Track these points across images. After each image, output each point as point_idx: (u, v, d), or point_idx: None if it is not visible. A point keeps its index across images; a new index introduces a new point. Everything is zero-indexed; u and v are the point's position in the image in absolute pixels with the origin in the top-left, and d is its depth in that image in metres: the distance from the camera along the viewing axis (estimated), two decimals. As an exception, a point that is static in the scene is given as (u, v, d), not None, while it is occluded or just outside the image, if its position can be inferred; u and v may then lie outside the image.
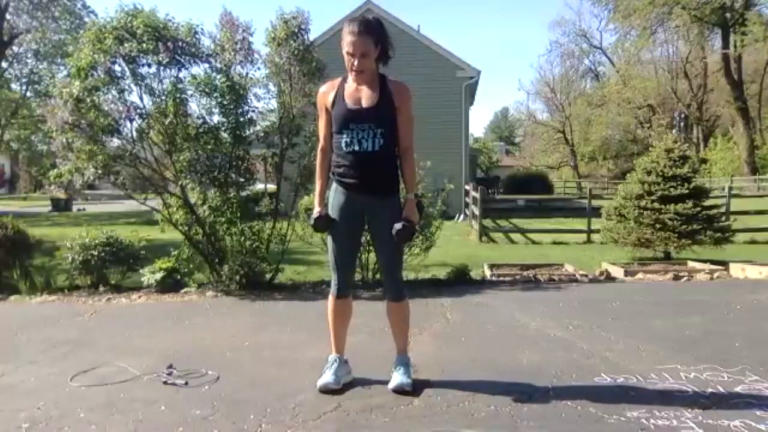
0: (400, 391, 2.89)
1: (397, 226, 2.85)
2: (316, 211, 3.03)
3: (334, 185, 3.02)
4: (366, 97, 2.88)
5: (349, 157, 2.90)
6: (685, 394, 2.89)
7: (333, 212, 3.00)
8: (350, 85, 2.92)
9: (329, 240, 3.07)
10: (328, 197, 3.06)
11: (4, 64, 27.40)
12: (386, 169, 2.95)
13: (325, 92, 3.00)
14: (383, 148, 2.88)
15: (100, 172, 5.81)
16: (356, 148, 2.87)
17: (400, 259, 3.09)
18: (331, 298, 3.08)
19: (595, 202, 12.16)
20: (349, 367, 3.10)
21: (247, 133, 6.27)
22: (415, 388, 2.93)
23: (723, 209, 10.18)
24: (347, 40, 2.80)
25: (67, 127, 5.72)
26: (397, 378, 2.95)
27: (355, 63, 2.81)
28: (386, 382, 2.98)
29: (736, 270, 7.02)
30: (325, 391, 2.91)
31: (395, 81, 2.95)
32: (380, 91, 2.88)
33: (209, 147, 6.12)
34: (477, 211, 12.75)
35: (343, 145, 2.90)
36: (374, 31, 2.81)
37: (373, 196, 2.93)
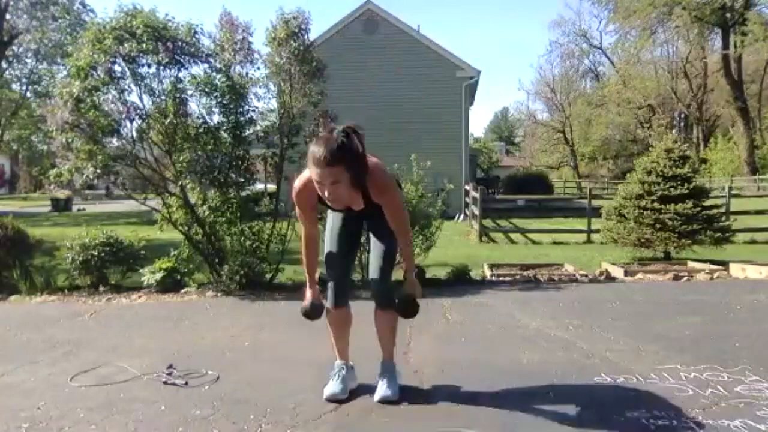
0: (385, 401, 2.79)
1: (400, 301, 2.81)
2: (309, 296, 2.87)
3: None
4: (351, 201, 2.68)
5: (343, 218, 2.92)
6: (685, 394, 2.89)
7: (329, 216, 2.94)
8: None
9: (326, 242, 2.95)
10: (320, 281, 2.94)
11: (4, 64, 27.38)
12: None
13: (301, 193, 2.75)
14: (379, 215, 2.78)
15: (99, 171, 5.81)
16: (347, 217, 2.89)
17: (390, 266, 2.93)
18: (328, 309, 2.94)
19: (595, 202, 12.16)
20: (355, 373, 3.02)
21: (247, 133, 6.28)
22: (403, 395, 2.86)
23: (723, 209, 10.18)
24: (313, 172, 2.51)
25: (67, 127, 5.73)
26: (382, 389, 2.85)
27: (326, 193, 2.54)
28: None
29: (736, 270, 7.02)
30: (332, 400, 2.82)
31: (373, 176, 2.63)
32: (363, 195, 2.67)
33: (209, 147, 6.13)
34: (477, 211, 12.75)
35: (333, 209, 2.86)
36: (342, 159, 2.46)
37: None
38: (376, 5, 18.69)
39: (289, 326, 4.47)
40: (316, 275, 2.93)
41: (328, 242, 2.95)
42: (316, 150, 2.48)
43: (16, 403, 2.91)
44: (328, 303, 2.94)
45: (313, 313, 2.86)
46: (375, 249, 2.91)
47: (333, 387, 2.88)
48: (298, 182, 2.77)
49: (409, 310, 2.81)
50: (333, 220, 2.96)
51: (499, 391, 2.95)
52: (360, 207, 2.73)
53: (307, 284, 2.90)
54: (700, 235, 8.21)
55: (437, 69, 18.16)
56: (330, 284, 2.94)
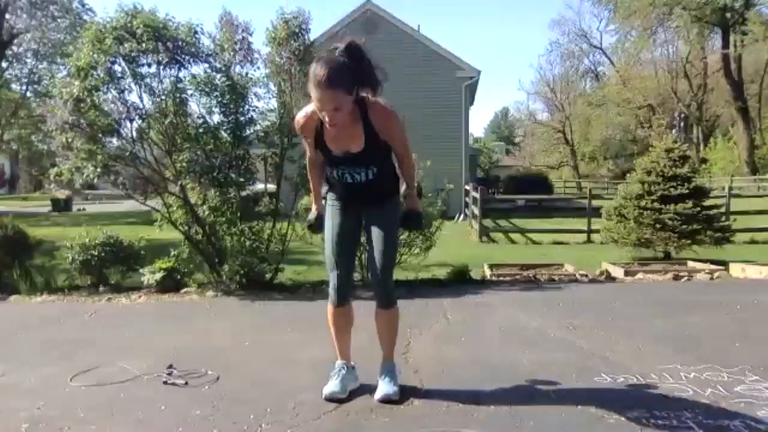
0: (386, 401, 2.78)
1: (403, 220, 2.90)
2: (314, 210, 2.99)
3: (329, 197, 2.95)
4: (351, 140, 2.64)
5: (342, 185, 2.83)
6: (685, 394, 2.88)
7: (328, 215, 2.92)
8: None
9: (326, 241, 2.93)
10: (325, 196, 2.97)
11: (4, 64, 27.39)
12: (383, 186, 2.83)
13: (304, 125, 2.74)
14: (377, 175, 2.76)
15: (99, 171, 5.81)
16: (349, 180, 2.78)
17: (391, 263, 2.90)
18: (330, 308, 2.93)
19: (595, 202, 12.17)
20: (356, 373, 3.00)
21: (247, 132, 6.28)
22: (403, 395, 2.85)
23: (723, 209, 10.19)
24: (313, 95, 2.46)
25: (67, 127, 5.73)
26: (383, 387, 2.83)
27: (327, 118, 2.52)
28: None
29: (736, 270, 7.02)
30: (332, 400, 2.80)
31: (375, 106, 2.60)
32: (364, 129, 2.62)
33: (209, 147, 6.13)
34: (477, 211, 12.76)
35: (335, 175, 2.81)
36: (342, 80, 2.43)
37: (371, 206, 2.86)
38: (376, 5, 18.70)
39: (289, 326, 4.47)
40: (322, 192, 2.99)
41: (328, 242, 2.92)
42: (317, 71, 2.44)
43: (16, 403, 2.91)
44: (329, 302, 2.93)
45: (316, 225, 3.00)
46: (376, 247, 2.85)
47: (332, 387, 2.86)
48: (300, 115, 2.76)
49: (415, 221, 2.93)
50: (332, 216, 2.92)
51: (499, 391, 2.95)
52: (360, 148, 2.66)
53: (313, 201, 3.02)
54: (700, 235, 8.21)
55: (437, 69, 18.17)
56: (331, 284, 2.91)
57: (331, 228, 2.92)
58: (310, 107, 2.67)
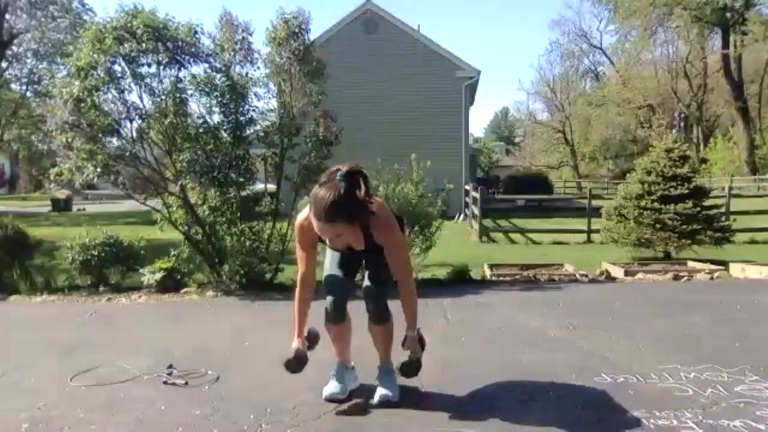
0: (385, 402, 2.78)
1: (399, 364, 2.75)
2: (295, 343, 2.76)
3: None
4: (352, 241, 2.65)
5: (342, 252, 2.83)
6: (685, 394, 2.89)
7: (328, 248, 2.88)
8: None
9: (326, 265, 2.91)
10: (308, 332, 2.83)
11: (4, 64, 27.38)
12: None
13: (303, 228, 2.71)
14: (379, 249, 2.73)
15: (99, 171, 5.81)
16: (348, 252, 2.80)
17: (387, 278, 2.82)
18: (328, 325, 2.91)
19: (595, 202, 12.16)
20: (356, 373, 3.00)
21: (247, 132, 6.28)
22: (403, 395, 2.85)
23: (723, 209, 10.18)
24: (314, 223, 2.49)
25: (67, 127, 5.74)
26: (381, 391, 2.82)
27: (329, 243, 2.65)
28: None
29: (736, 270, 7.02)
30: (332, 400, 2.82)
31: (377, 221, 2.62)
32: (365, 235, 2.64)
33: (209, 147, 6.13)
34: (477, 211, 12.75)
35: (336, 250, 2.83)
36: (342, 215, 2.44)
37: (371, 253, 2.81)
38: (376, 5, 18.69)
39: (289, 326, 4.45)
40: (306, 324, 2.81)
41: (328, 265, 2.92)
42: (316, 204, 2.44)
43: (16, 403, 2.91)
44: (326, 320, 2.91)
45: (295, 365, 2.73)
46: (373, 263, 2.84)
47: (332, 387, 2.87)
48: (301, 217, 2.73)
49: (410, 373, 2.76)
50: (332, 251, 2.91)
51: (499, 391, 2.95)
52: (361, 247, 2.70)
53: (295, 332, 2.79)
54: (700, 235, 8.21)
55: (437, 69, 18.16)
56: (329, 303, 2.88)
57: (331, 255, 2.91)
58: (309, 214, 2.62)
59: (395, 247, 2.70)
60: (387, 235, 2.67)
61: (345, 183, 2.44)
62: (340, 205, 2.42)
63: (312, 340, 2.84)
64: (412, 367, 2.77)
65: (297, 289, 2.85)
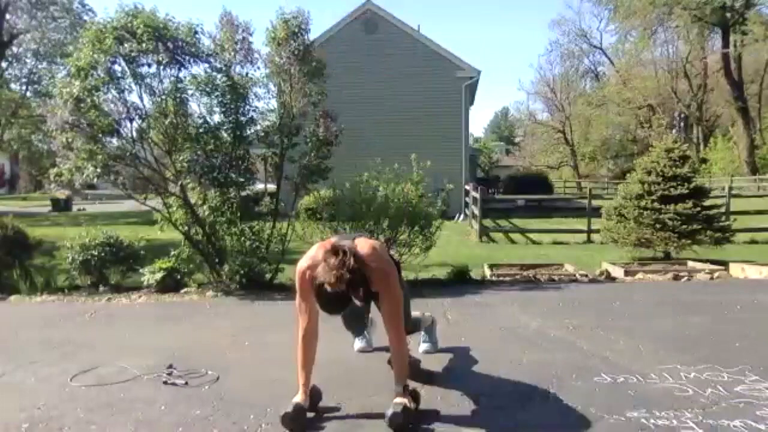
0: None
1: (389, 412, 2.50)
2: (300, 396, 2.64)
3: None
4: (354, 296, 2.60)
5: None
6: (685, 394, 2.89)
7: None
8: None
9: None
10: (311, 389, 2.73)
11: (4, 64, 27.38)
12: None
13: (304, 275, 2.68)
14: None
15: (99, 171, 5.81)
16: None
17: (399, 315, 2.75)
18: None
19: (595, 202, 12.16)
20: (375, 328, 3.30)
21: (248, 132, 6.28)
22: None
23: (723, 209, 10.17)
24: (327, 289, 2.47)
25: (67, 127, 5.74)
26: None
27: (320, 308, 2.62)
28: (387, 383, 2.96)
29: (736, 270, 7.02)
30: (363, 351, 3.55)
31: (375, 273, 2.61)
32: (364, 290, 2.60)
33: (209, 147, 6.13)
34: (477, 211, 12.75)
35: None
36: (349, 286, 2.47)
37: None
38: (376, 5, 18.68)
39: (289, 326, 4.45)
40: (311, 378, 2.72)
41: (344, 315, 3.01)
42: (320, 281, 2.45)
43: (16, 403, 2.91)
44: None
45: (293, 419, 2.53)
46: (388, 321, 2.79)
47: (359, 342, 3.56)
48: (304, 262, 2.70)
49: (397, 420, 2.49)
50: None
51: (499, 391, 2.95)
52: (362, 302, 2.66)
53: (300, 383, 2.69)
54: (700, 235, 8.20)
55: (437, 69, 18.15)
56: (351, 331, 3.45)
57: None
58: (314, 251, 2.68)
59: (390, 292, 2.69)
60: (383, 281, 2.67)
61: (348, 274, 2.44)
62: (352, 276, 2.46)
63: (314, 401, 2.72)
64: (398, 417, 2.50)
65: (299, 344, 2.77)
